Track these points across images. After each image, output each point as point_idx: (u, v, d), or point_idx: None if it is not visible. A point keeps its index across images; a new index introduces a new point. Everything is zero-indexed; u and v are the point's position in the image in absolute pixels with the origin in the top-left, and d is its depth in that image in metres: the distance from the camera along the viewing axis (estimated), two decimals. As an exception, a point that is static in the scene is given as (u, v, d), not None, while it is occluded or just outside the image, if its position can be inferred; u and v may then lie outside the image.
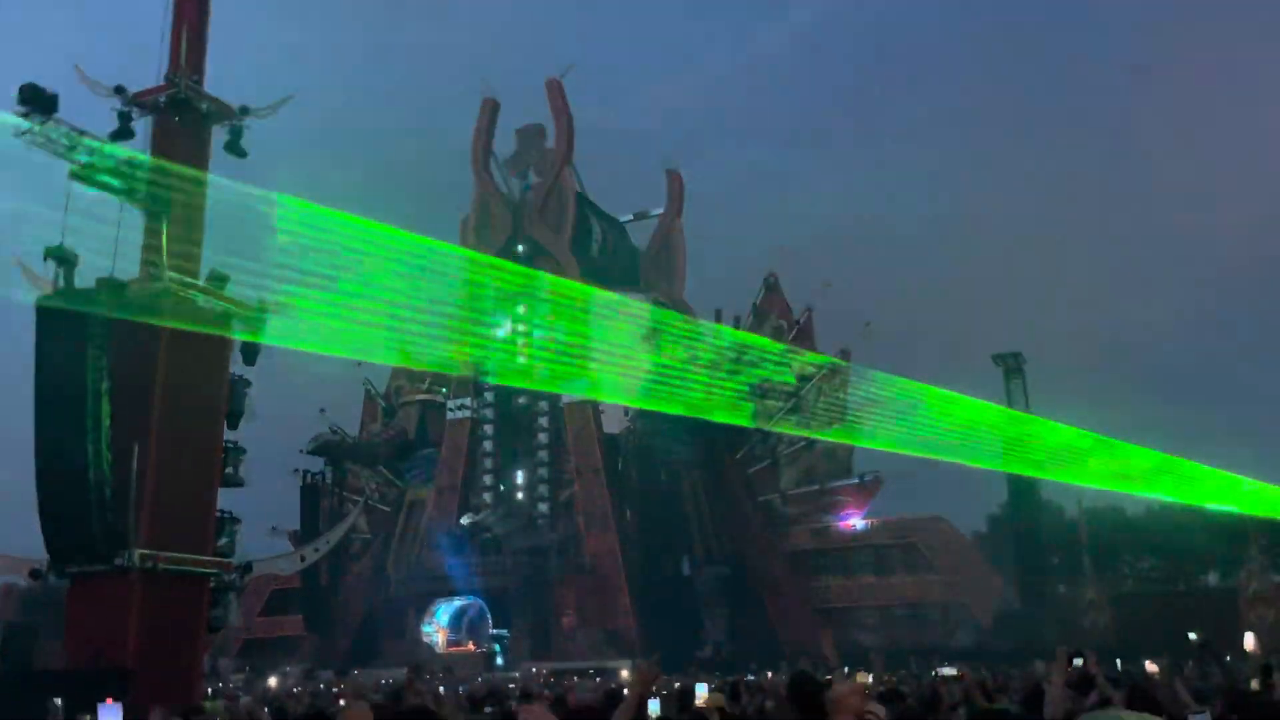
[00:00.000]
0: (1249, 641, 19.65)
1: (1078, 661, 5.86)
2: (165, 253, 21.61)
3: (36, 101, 19.90)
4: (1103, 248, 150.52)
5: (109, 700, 5.82)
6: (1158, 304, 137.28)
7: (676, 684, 14.93)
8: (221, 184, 23.55)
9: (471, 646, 58.56)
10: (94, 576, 20.62)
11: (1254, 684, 9.73)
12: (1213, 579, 60.21)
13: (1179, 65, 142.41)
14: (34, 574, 22.25)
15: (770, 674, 27.15)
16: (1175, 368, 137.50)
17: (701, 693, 7.31)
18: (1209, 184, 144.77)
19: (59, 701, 9.78)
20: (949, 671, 13.70)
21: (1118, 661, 21.23)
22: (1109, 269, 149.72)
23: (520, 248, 65.36)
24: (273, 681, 33.67)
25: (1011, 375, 53.48)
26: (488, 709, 9.81)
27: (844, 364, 59.20)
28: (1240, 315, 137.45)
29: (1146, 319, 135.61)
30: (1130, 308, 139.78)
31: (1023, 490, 52.74)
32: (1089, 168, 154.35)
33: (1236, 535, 54.28)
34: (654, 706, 7.71)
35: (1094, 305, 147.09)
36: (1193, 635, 31.89)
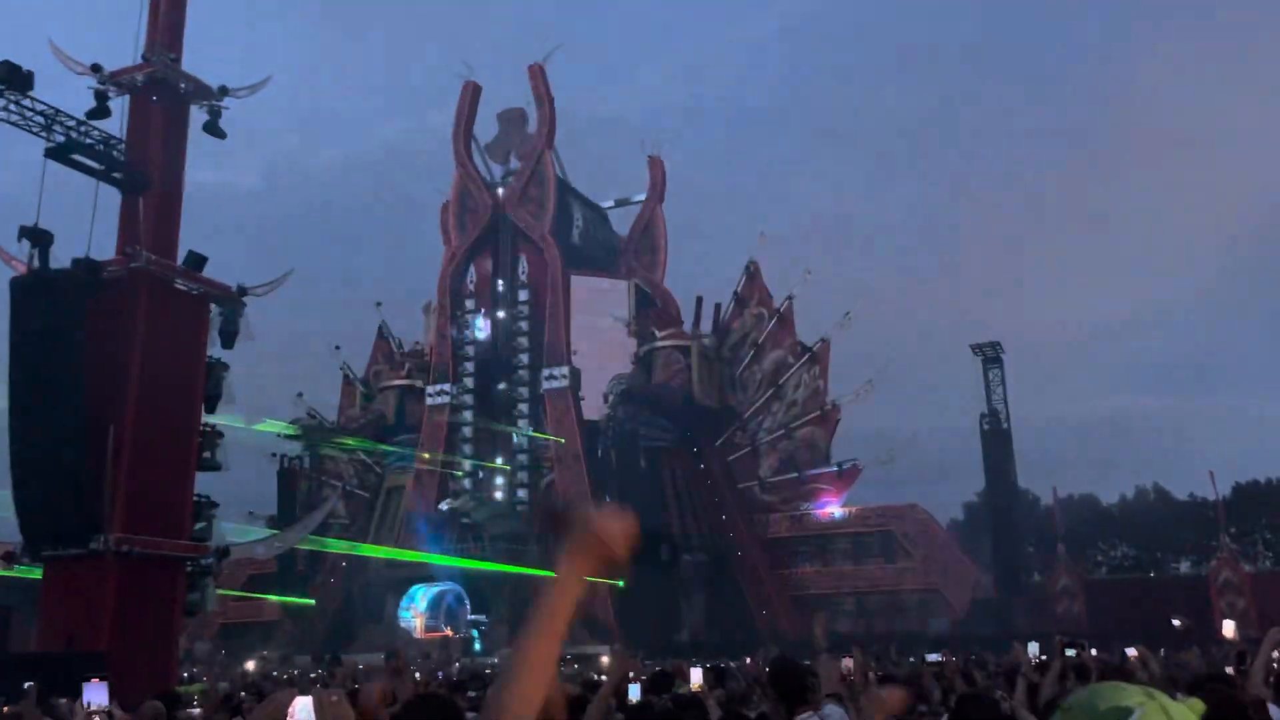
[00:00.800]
0: (1228, 629, 19.85)
1: (1070, 651, 5.88)
2: (142, 233, 21.39)
3: (11, 79, 19.62)
4: (1085, 238, 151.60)
5: (95, 680, 5.76)
6: (1140, 294, 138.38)
7: (657, 668, 14.94)
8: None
9: (449, 632, 58.51)
10: (68, 560, 20.42)
11: (1229, 670, 9.84)
12: (1184, 567, 61.01)
13: (1172, 53, 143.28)
14: (7, 557, 22.02)
15: (748, 659, 27.23)
16: (1157, 358, 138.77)
17: (696, 680, 7.25)
18: (1201, 174, 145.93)
19: (28, 686, 9.69)
20: (934, 658, 13.79)
21: (1093, 649, 21.47)
22: (1091, 259, 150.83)
23: (501, 232, 65.11)
24: (251, 665, 33.53)
25: (990, 365, 53.81)
26: (470, 694, 9.78)
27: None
28: (1226, 305, 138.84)
29: (1128, 309, 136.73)
30: (1110, 298, 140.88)
31: (998, 479, 53.17)
32: (1076, 156, 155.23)
33: (1207, 525, 55.04)
34: (634, 691, 7.72)
35: (1074, 295, 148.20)
36: (1176, 621, 32.22)
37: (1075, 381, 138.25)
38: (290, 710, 2.54)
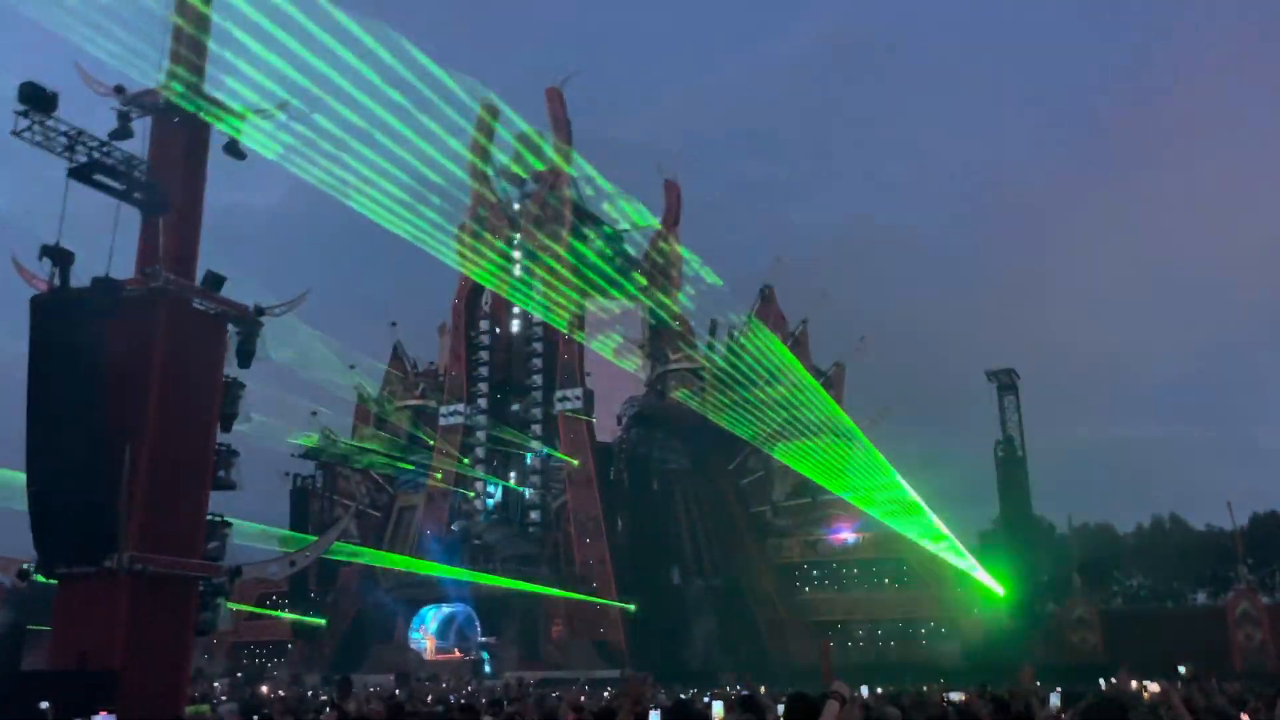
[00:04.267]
0: None
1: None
2: (162, 253, 21.54)
3: (36, 100, 19.80)
4: (1101, 265, 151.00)
5: (102, 712, 5.74)
6: (1155, 324, 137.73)
7: (679, 695, 14.85)
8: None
9: (459, 654, 58.33)
10: (82, 578, 20.43)
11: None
12: (1201, 598, 60.36)
13: (1189, 82, 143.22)
14: (21, 574, 22.03)
15: (763, 687, 27.10)
16: (1171, 387, 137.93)
17: (718, 712, 7.16)
18: (1218, 204, 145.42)
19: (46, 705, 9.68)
20: (956, 697, 13.52)
21: (1106, 680, 21.20)
22: (1106, 286, 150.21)
23: (516, 254, 65.35)
24: (265, 688, 33.43)
25: (1005, 392, 53.55)
26: (487, 718, 9.75)
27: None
28: (1246, 334, 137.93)
29: (1144, 339, 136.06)
30: (1127, 327, 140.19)
31: (1013, 506, 52.76)
32: (1091, 185, 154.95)
33: (1225, 556, 54.50)
34: (654, 718, 7.66)
35: (1089, 323, 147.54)
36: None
37: (1091, 409, 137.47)
38: None
